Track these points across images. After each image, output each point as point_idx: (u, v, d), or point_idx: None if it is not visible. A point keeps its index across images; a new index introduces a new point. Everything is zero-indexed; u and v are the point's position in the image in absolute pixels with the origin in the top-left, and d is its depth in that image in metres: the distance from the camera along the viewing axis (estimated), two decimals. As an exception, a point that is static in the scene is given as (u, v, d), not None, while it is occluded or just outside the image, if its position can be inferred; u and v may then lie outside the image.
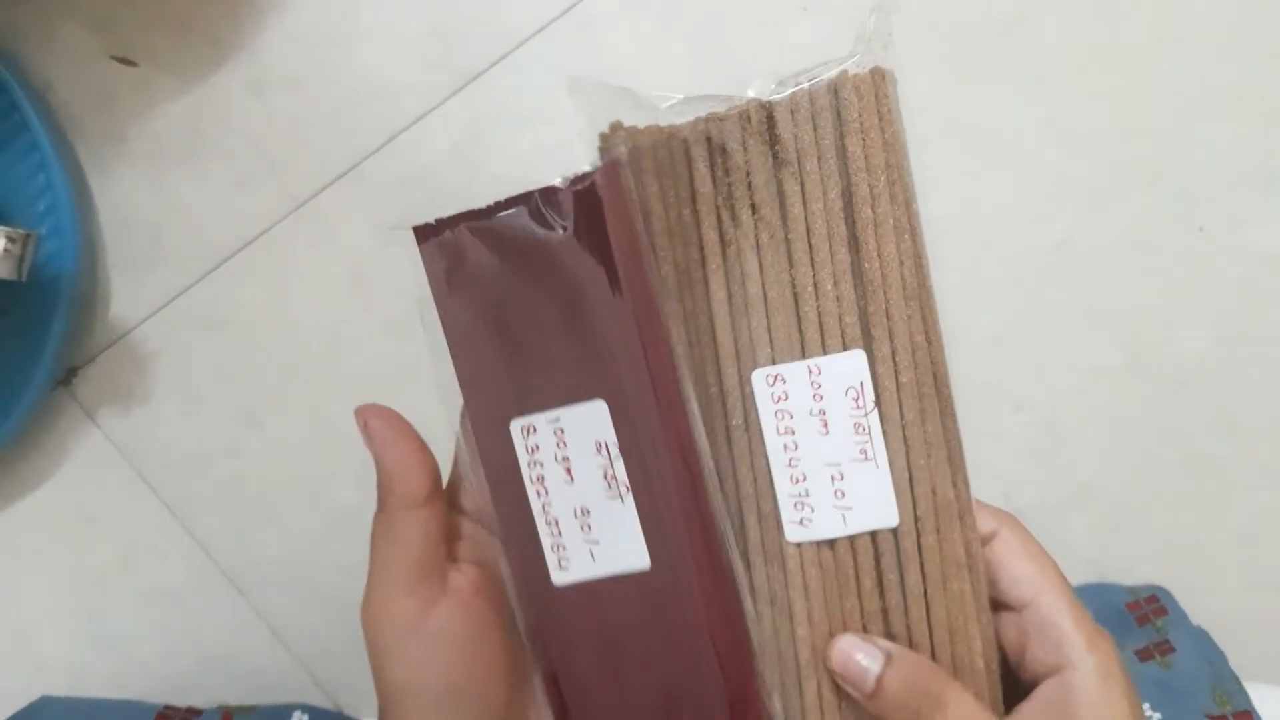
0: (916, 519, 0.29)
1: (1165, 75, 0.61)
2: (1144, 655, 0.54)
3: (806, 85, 0.28)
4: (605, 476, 0.29)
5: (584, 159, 0.30)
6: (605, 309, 0.28)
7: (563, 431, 0.29)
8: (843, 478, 0.29)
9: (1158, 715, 0.49)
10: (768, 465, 0.29)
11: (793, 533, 0.30)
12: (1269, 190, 0.62)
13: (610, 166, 0.28)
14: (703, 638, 0.29)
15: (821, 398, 0.29)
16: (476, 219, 0.29)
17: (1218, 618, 0.56)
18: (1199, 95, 0.61)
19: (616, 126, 0.29)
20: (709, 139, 0.29)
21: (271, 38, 0.61)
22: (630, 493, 0.29)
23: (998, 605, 0.31)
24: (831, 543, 0.30)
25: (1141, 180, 0.62)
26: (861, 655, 0.29)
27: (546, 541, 0.30)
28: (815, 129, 0.28)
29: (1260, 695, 0.49)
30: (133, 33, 0.61)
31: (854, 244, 0.29)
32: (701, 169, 0.29)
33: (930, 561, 0.29)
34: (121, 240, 0.62)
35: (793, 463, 0.29)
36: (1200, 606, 0.60)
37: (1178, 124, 0.62)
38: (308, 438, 0.64)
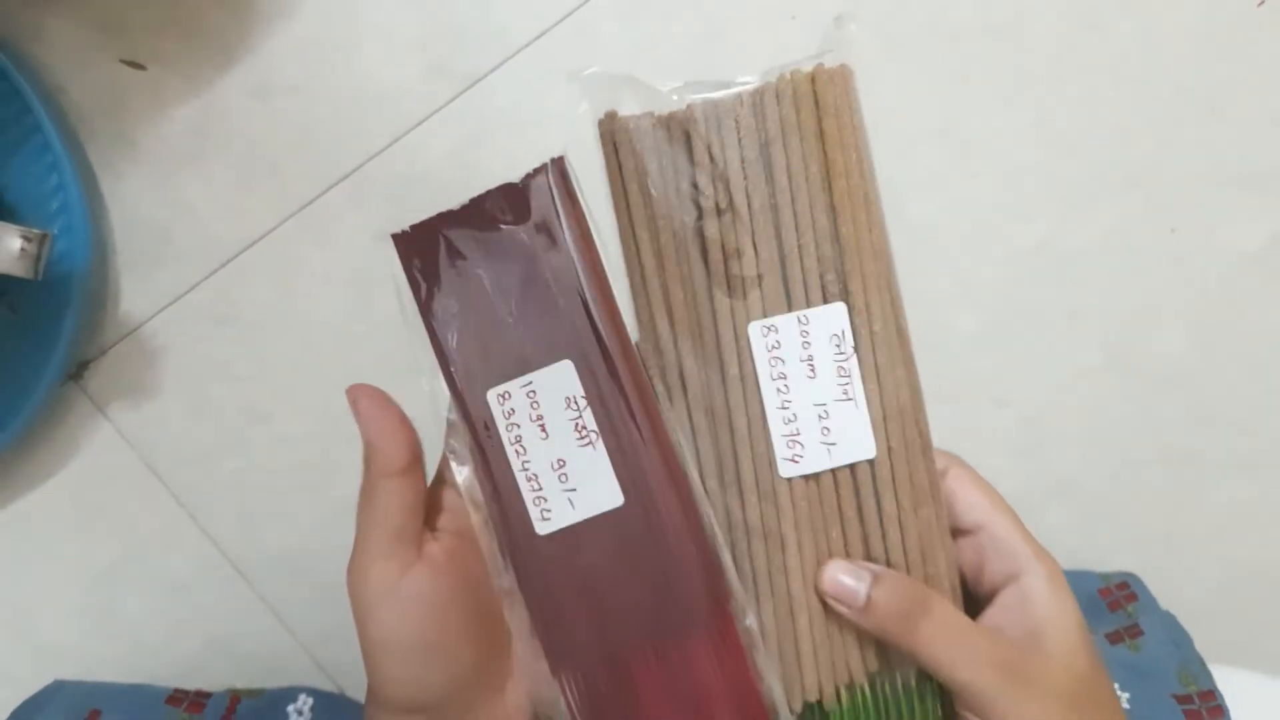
0: (890, 451, 0.33)
1: (1145, 81, 0.63)
2: (1114, 639, 0.55)
3: (789, 75, 0.32)
4: (576, 427, 0.32)
5: (582, 156, 0.33)
6: (560, 282, 0.31)
7: (535, 393, 0.32)
8: (828, 416, 0.32)
9: (1127, 695, 0.51)
10: (762, 409, 0.33)
11: (785, 469, 0.33)
12: (1244, 192, 0.63)
13: (558, 162, 0.32)
14: (676, 557, 0.32)
15: (809, 345, 0.32)
16: (448, 219, 0.32)
17: (1192, 606, 0.57)
18: (1177, 100, 0.63)
19: (613, 115, 0.32)
20: (706, 119, 0.32)
21: (277, 43, 0.62)
22: (599, 437, 0.32)
23: (954, 532, 0.35)
24: (818, 477, 0.33)
25: (1120, 182, 0.64)
26: (850, 577, 0.32)
27: (529, 497, 0.32)
28: (798, 112, 0.32)
29: (1223, 676, 0.51)
30: (142, 37, 0.62)
31: (832, 211, 0.32)
32: (700, 145, 0.32)
33: (902, 490, 0.33)
34: (131, 239, 0.63)
35: (785, 405, 0.32)
36: (1175, 595, 0.61)
37: (1156, 128, 0.63)
38: (312, 431, 0.64)
